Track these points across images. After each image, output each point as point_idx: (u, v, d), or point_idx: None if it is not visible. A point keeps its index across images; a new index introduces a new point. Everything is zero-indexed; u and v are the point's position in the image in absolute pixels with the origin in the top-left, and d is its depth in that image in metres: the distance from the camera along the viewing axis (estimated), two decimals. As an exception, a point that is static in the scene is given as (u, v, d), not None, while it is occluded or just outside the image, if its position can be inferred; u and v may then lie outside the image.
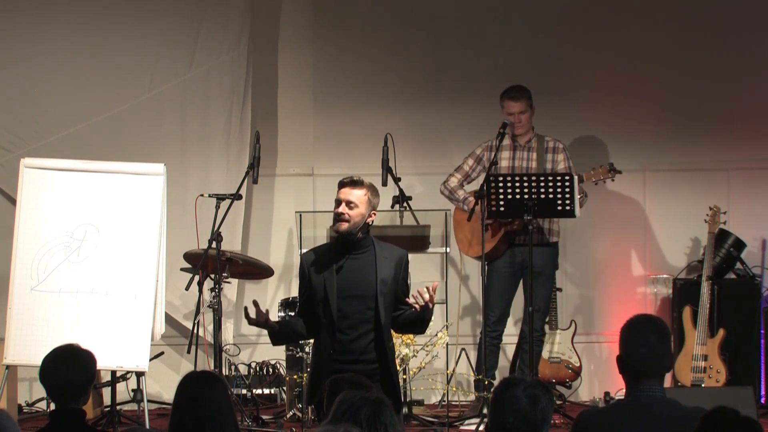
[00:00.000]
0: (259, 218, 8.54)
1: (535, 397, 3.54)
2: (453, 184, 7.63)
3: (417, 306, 5.29)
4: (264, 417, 7.40)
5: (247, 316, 5.39)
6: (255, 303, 5.43)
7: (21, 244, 6.85)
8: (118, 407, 7.02)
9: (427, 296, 5.26)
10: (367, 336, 5.36)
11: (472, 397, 7.71)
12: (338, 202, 5.41)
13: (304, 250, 8.05)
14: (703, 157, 8.51)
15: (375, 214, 5.46)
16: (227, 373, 7.87)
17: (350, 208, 5.37)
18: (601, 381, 8.26)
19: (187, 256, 7.35)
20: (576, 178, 7.11)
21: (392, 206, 7.62)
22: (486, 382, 7.05)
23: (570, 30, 8.51)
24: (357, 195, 5.40)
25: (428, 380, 7.57)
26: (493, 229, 7.47)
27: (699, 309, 7.69)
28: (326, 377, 5.10)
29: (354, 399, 3.48)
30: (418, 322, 5.42)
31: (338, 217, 5.38)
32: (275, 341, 5.65)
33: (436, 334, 7.29)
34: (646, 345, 4.02)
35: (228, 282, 7.36)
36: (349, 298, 5.35)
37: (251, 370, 8.09)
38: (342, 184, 5.46)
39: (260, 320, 5.40)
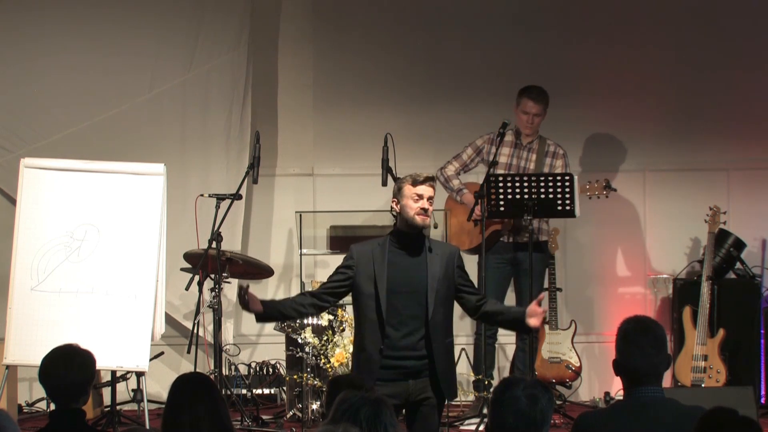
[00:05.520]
0: (259, 218, 8.54)
1: (534, 397, 3.54)
2: (450, 172, 7.64)
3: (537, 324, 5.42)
4: (264, 417, 7.40)
5: (241, 297, 5.36)
6: (246, 287, 5.38)
7: (21, 244, 6.85)
8: (118, 407, 7.02)
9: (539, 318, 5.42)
10: (417, 332, 5.37)
11: (471, 397, 7.70)
12: (420, 197, 5.43)
13: (304, 250, 8.12)
14: (703, 157, 8.51)
15: None
16: (227, 373, 7.87)
17: (430, 204, 5.45)
18: (601, 381, 8.26)
19: (187, 256, 7.35)
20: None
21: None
22: (486, 382, 7.05)
23: (570, 30, 8.51)
24: (433, 191, 5.49)
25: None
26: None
27: (699, 309, 7.69)
28: (375, 373, 5.23)
29: (354, 399, 3.48)
30: (519, 328, 5.78)
31: (425, 212, 5.42)
32: (259, 320, 5.64)
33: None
34: (642, 356, 4.00)
35: (228, 282, 7.36)
36: (400, 294, 5.38)
37: (251, 370, 8.09)
38: (422, 181, 5.47)
39: (249, 307, 5.40)
